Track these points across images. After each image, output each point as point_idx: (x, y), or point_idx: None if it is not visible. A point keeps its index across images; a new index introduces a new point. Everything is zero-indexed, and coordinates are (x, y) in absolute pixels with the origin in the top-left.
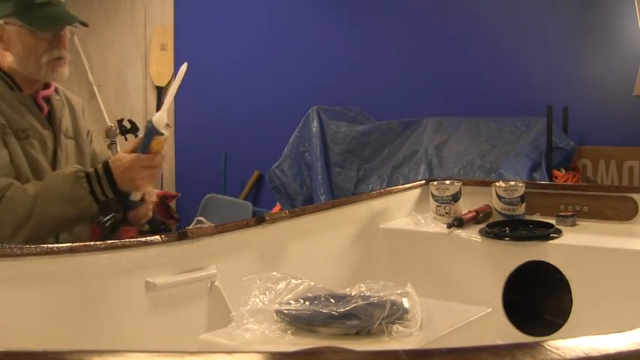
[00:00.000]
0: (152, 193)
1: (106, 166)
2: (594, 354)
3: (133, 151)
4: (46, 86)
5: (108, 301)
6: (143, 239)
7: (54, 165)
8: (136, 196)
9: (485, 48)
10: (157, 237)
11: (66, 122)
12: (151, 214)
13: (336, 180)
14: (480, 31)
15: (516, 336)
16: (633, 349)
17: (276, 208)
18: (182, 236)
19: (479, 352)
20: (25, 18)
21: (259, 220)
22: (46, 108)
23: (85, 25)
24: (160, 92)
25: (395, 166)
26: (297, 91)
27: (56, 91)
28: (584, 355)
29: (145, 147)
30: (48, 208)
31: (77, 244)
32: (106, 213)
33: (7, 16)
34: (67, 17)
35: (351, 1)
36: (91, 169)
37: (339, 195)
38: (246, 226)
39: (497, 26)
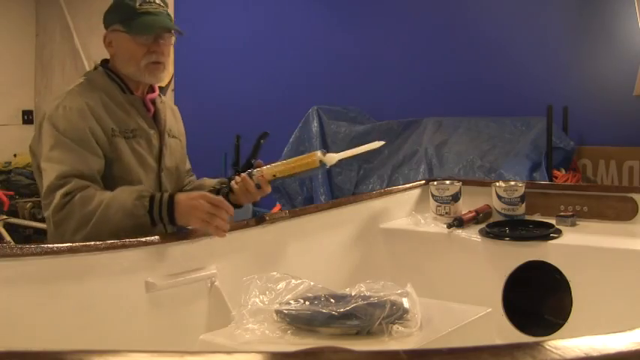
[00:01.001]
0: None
1: (171, 197)
2: (594, 354)
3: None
4: (151, 90)
5: (108, 301)
6: (143, 239)
7: (159, 161)
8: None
9: (486, 48)
10: (157, 237)
11: (169, 123)
12: (256, 198)
13: (336, 180)
14: (480, 31)
15: (516, 336)
16: (633, 349)
17: (276, 208)
18: (182, 236)
19: (479, 352)
20: (127, 25)
21: (259, 220)
22: (152, 109)
23: (180, 33)
24: (160, 92)
25: (395, 166)
26: (297, 91)
27: (159, 95)
28: (584, 355)
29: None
30: (108, 215)
31: (77, 244)
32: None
33: (114, 24)
34: (161, 25)
35: (351, 1)
36: (157, 193)
37: (339, 195)
38: (246, 226)
39: (498, 26)
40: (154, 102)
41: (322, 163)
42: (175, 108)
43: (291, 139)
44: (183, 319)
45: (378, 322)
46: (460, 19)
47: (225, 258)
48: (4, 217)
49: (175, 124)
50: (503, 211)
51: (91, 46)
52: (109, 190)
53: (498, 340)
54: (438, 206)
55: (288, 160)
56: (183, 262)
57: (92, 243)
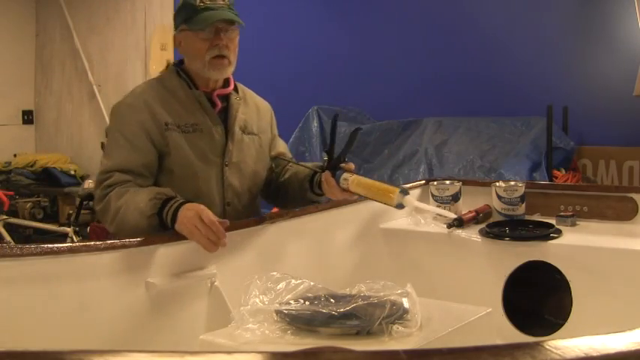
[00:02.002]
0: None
1: (181, 204)
2: (594, 354)
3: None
4: (226, 85)
5: (108, 301)
6: (143, 239)
7: (223, 156)
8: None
9: (486, 48)
10: (157, 237)
11: (247, 120)
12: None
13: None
14: (480, 31)
15: (516, 336)
16: (633, 349)
17: (276, 208)
18: (182, 236)
19: (479, 352)
20: (188, 23)
21: (259, 220)
22: (220, 104)
23: (240, 23)
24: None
25: (395, 166)
26: (297, 91)
27: (236, 90)
28: (584, 355)
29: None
30: (127, 213)
31: (77, 244)
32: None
33: (180, 24)
34: (215, 19)
35: (351, 1)
36: (175, 198)
37: None
38: (246, 226)
39: (498, 26)
40: (227, 97)
41: (398, 204)
42: (262, 104)
43: (291, 139)
44: (183, 319)
45: (378, 322)
46: (460, 19)
47: (225, 258)
48: (4, 217)
49: (257, 121)
50: (503, 211)
51: (91, 46)
52: (160, 184)
53: (498, 340)
54: (438, 206)
55: (372, 182)
56: (183, 262)
57: (92, 243)
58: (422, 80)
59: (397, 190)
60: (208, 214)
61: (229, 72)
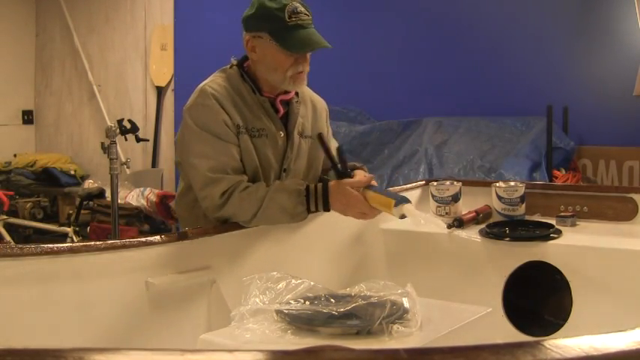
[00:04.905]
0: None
1: (325, 189)
2: (595, 353)
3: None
4: (286, 91)
5: (108, 301)
6: (143, 239)
7: (282, 162)
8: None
9: (485, 48)
10: (157, 237)
11: (304, 123)
12: None
13: None
14: (480, 31)
15: (516, 336)
16: (633, 348)
17: None
18: (182, 236)
19: (479, 351)
20: (277, 38)
21: None
22: (282, 110)
23: (329, 47)
24: (160, 92)
25: (395, 166)
26: None
27: (297, 93)
28: (584, 355)
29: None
30: (269, 214)
31: (77, 244)
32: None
33: (261, 32)
34: (316, 42)
35: (351, 2)
36: (311, 186)
37: None
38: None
39: (497, 26)
40: (288, 103)
41: (401, 215)
42: (318, 103)
43: None
44: (184, 319)
45: (378, 322)
46: (460, 19)
47: (225, 258)
48: (4, 217)
49: (313, 121)
50: (503, 212)
51: (91, 45)
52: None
53: (498, 340)
54: (438, 206)
55: (377, 190)
56: (183, 262)
57: (92, 243)
58: (422, 80)
59: (392, 202)
60: (362, 204)
61: (306, 84)
